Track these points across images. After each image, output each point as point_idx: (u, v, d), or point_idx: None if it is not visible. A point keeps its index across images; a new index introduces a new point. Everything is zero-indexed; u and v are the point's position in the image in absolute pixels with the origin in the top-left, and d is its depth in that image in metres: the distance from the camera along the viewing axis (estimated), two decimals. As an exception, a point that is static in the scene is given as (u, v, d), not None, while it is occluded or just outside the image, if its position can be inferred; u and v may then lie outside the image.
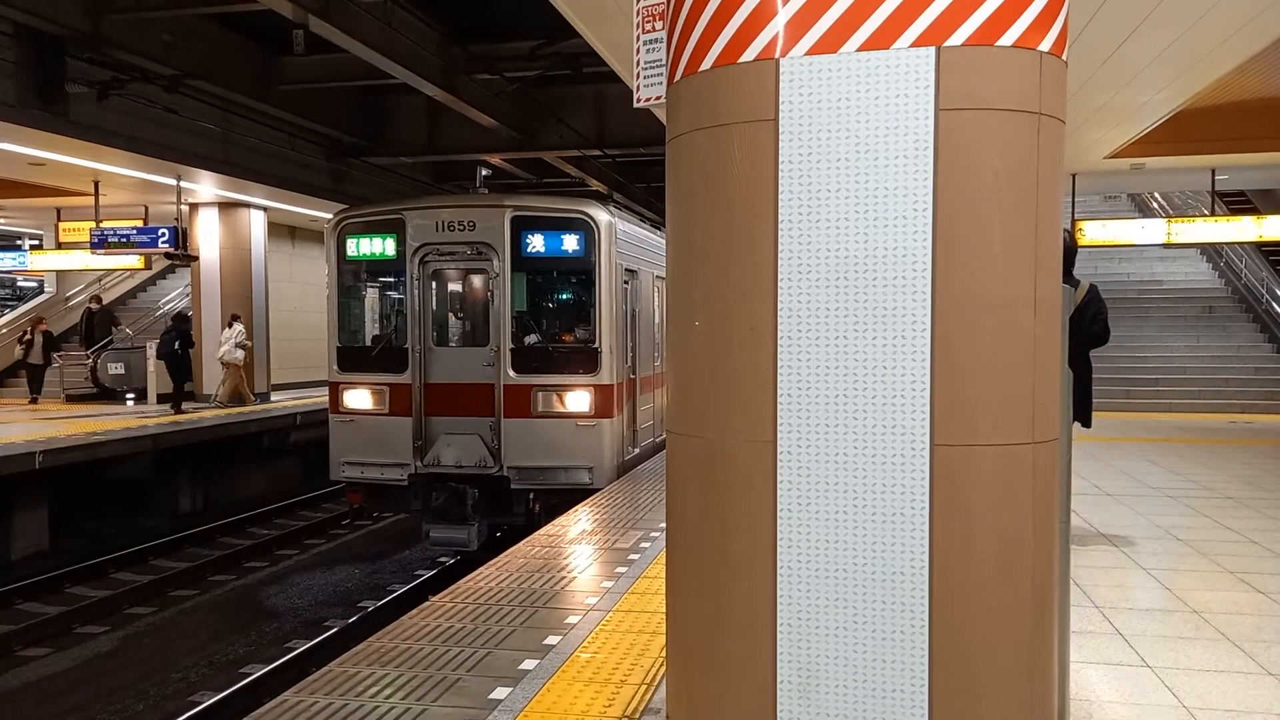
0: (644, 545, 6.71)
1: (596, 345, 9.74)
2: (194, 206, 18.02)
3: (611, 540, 6.90)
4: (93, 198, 16.36)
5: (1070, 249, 8.85)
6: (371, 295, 10.95)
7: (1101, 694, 4.06)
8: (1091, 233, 16.16)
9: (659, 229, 13.38)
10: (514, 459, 9.64)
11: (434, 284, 10.26)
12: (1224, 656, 4.51)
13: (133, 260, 18.38)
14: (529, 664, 4.37)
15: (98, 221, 16.55)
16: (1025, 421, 2.62)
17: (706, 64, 2.79)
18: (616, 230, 10.01)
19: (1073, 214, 15.92)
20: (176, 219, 16.35)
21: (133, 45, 11.88)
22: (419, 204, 10.24)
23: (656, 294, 12.40)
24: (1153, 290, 20.80)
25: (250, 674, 8.03)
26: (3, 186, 17.33)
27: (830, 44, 2.61)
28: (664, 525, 3.27)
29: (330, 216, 10.70)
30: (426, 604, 5.39)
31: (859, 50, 2.59)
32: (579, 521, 7.50)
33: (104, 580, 11.12)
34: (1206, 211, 16.55)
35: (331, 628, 9.26)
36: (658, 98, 3.49)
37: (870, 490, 2.65)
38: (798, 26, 2.63)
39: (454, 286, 10.83)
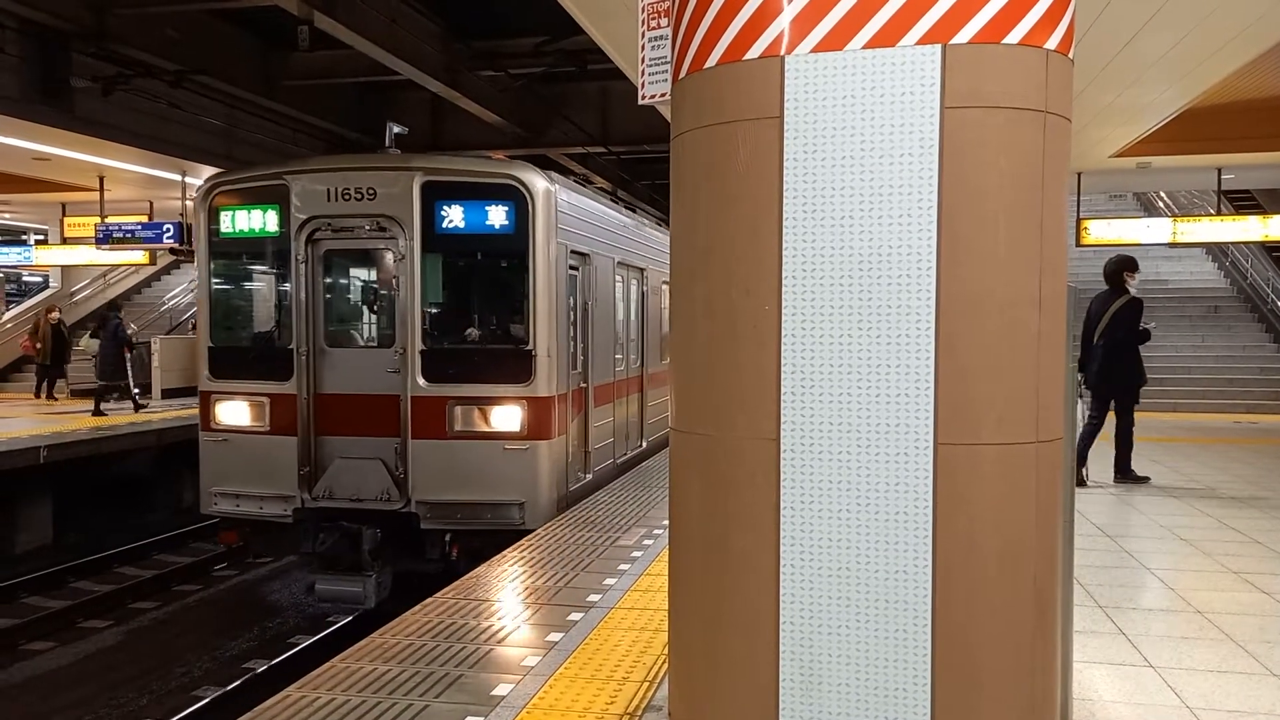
0: (647, 542, 6.71)
1: (530, 347, 7.81)
2: (199, 202, 18.02)
3: (615, 537, 6.90)
4: (98, 193, 16.42)
5: (1131, 265, 9.13)
6: (250, 283, 9.04)
7: (1104, 694, 4.05)
8: (1097, 232, 16.14)
9: (629, 208, 11.96)
10: (425, 491, 7.74)
11: (326, 268, 8.30)
12: (1227, 657, 4.50)
13: (138, 256, 18.42)
14: (531, 660, 4.38)
15: (103, 217, 16.62)
16: (1029, 420, 2.61)
17: (711, 61, 2.79)
18: (558, 202, 8.08)
19: (1078, 213, 15.91)
20: (181, 214, 16.39)
21: (138, 41, 11.90)
22: (306, 166, 8.25)
23: (620, 284, 10.47)
24: (1158, 290, 20.74)
25: (253, 669, 8.05)
26: (8, 181, 17.37)
27: (836, 41, 2.60)
28: (666, 523, 3.27)
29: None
30: (430, 600, 5.40)
31: (864, 48, 2.58)
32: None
33: (107, 575, 11.16)
34: (1212, 211, 16.52)
35: (335, 623, 9.28)
36: (662, 95, 3.48)
37: (873, 488, 2.64)
38: (803, 24, 2.63)
39: (352, 271, 8.89)
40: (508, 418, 7.78)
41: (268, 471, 8.04)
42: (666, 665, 3.86)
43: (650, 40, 3.58)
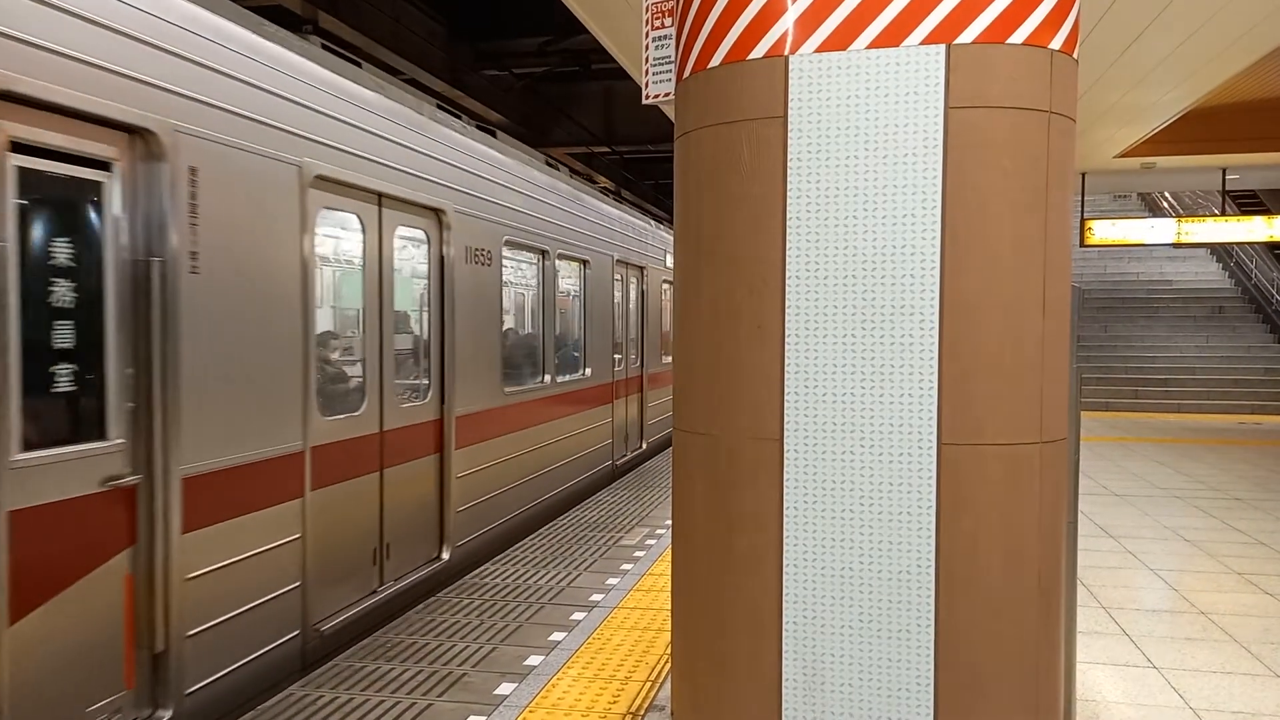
0: (650, 542, 6.71)
1: None
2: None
3: (616, 537, 6.90)
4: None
5: None
6: None
7: (1107, 694, 4.05)
8: (1101, 232, 16.11)
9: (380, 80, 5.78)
10: None
11: None
12: (1231, 658, 4.49)
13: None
14: (534, 660, 4.38)
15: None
16: (1033, 421, 2.61)
17: (716, 61, 2.79)
18: None
19: (1082, 213, 15.87)
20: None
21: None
22: None
23: (379, 239, 5.34)
24: (1162, 290, 20.74)
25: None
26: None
27: (840, 41, 2.60)
28: (669, 523, 3.27)
29: None
30: (432, 599, 5.40)
31: (869, 47, 2.58)
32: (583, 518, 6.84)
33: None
34: (1217, 211, 16.48)
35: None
36: (666, 95, 3.48)
37: (877, 489, 2.64)
38: (807, 23, 2.63)
39: None
40: None
41: None
42: (669, 665, 3.86)
43: (654, 40, 3.58)
